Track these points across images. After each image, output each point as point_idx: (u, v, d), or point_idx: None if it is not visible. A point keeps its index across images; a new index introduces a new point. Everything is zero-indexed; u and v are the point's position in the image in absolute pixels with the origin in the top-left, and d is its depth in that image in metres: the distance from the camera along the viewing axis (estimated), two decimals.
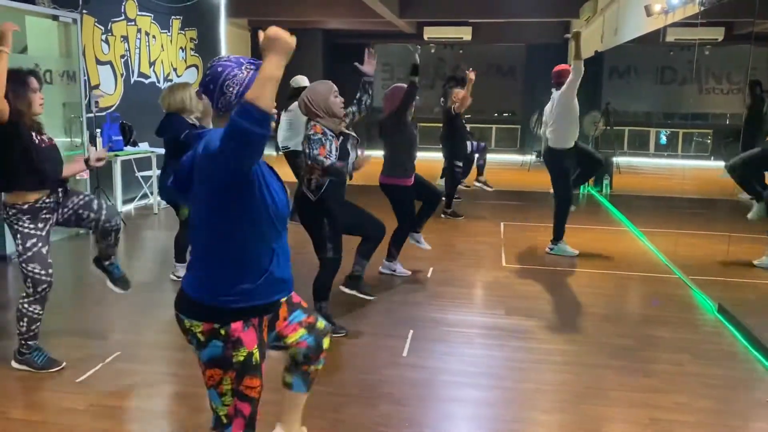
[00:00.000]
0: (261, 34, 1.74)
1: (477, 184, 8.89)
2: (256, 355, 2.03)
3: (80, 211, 3.52)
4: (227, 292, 1.96)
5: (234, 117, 1.69)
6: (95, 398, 3.20)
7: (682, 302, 4.89)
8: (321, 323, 2.37)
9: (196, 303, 1.99)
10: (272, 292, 2.05)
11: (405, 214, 5.24)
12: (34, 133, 3.33)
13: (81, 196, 3.58)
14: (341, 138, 3.95)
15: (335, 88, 3.93)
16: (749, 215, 5.86)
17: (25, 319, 3.37)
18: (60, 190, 3.45)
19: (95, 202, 3.59)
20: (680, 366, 3.71)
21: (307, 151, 3.84)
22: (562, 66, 6.03)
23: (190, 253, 2.07)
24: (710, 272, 5.64)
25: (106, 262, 3.79)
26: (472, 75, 7.34)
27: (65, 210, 3.50)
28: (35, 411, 3.07)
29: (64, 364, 3.47)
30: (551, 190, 6.16)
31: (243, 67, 1.96)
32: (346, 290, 4.45)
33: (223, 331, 1.97)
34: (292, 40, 1.74)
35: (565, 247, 6.13)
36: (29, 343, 3.43)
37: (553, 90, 5.98)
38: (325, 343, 2.37)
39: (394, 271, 5.41)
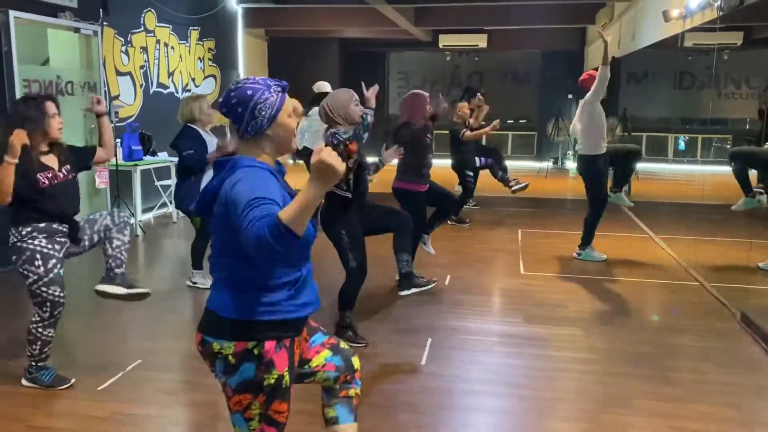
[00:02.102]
0: (315, 155, 1.63)
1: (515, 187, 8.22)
2: (287, 378, 1.96)
3: (102, 234, 3.44)
4: (257, 304, 1.89)
5: (265, 234, 1.62)
6: (116, 406, 3.23)
7: (704, 309, 4.83)
8: (343, 343, 2.28)
9: (226, 321, 1.91)
10: (301, 307, 1.97)
11: (416, 219, 5.22)
12: (39, 175, 3.18)
13: (97, 224, 3.44)
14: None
15: (356, 96, 3.94)
16: (733, 207, 5.95)
17: (39, 343, 3.30)
18: (75, 224, 3.35)
19: (108, 217, 3.46)
20: (703, 374, 3.67)
21: (341, 138, 3.76)
22: (586, 73, 6.03)
23: (209, 260, 2.02)
24: (732, 279, 5.57)
25: (119, 270, 3.45)
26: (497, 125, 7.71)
27: (83, 243, 3.41)
28: (58, 419, 3.11)
29: (73, 381, 3.42)
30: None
31: (271, 90, 1.91)
32: (406, 293, 4.34)
33: (256, 351, 1.89)
34: (341, 168, 1.64)
35: (593, 252, 6.16)
36: (39, 364, 3.38)
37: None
38: (356, 362, 2.25)
39: None
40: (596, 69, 5.97)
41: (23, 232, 3.20)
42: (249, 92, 1.89)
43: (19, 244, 3.20)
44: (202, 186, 4.95)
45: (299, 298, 1.96)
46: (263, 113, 1.89)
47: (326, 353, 2.20)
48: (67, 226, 3.33)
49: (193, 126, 4.95)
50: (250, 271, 1.89)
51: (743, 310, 4.56)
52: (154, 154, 7.78)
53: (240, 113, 1.89)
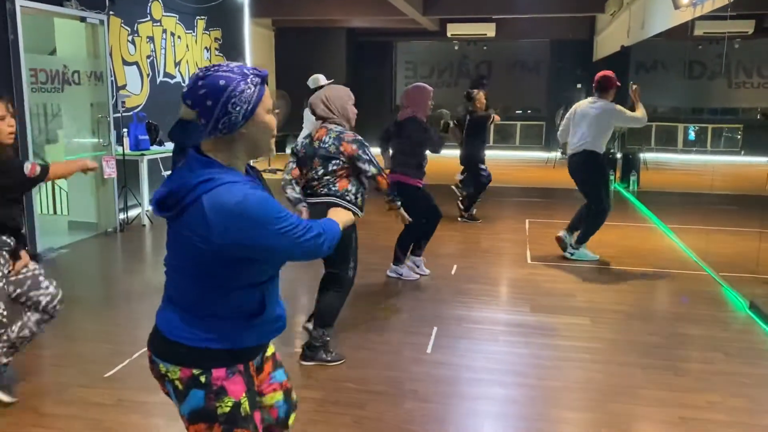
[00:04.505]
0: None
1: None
2: (245, 404, 1.71)
3: (32, 285, 3.09)
4: (209, 331, 1.67)
5: (322, 244, 1.72)
6: (123, 393, 3.24)
7: (713, 299, 4.80)
8: (294, 394, 2.04)
9: (173, 344, 1.68)
10: (265, 332, 1.76)
11: (413, 214, 4.54)
12: None
13: (38, 267, 3.17)
14: None
15: (353, 97, 3.67)
16: None
17: None
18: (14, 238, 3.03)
19: (45, 281, 3.15)
20: (711, 364, 3.64)
21: (365, 157, 3.51)
22: (605, 73, 5.72)
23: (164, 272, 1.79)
24: (741, 269, 5.52)
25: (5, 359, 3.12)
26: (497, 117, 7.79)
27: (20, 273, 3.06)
28: (66, 406, 3.12)
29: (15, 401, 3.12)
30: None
31: (248, 80, 1.59)
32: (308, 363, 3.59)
33: (203, 379, 1.66)
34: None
35: (586, 251, 5.90)
36: None
37: (595, 94, 5.69)
38: (291, 419, 2.02)
39: (401, 275, 5.13)
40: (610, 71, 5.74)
41: None
42: (222, 82, 1.56)
43: None
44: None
45: (256, 324, 1.73)
46: (237, 108, 1.57)
47: (279, 397, 1.98)
48: (11, 238, 3.00)
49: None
50: (207, 296, 1.67)
51: (753, 299, 4.52)
52: (161, 143, 7.78)
53: (209, 107, 1.56)
